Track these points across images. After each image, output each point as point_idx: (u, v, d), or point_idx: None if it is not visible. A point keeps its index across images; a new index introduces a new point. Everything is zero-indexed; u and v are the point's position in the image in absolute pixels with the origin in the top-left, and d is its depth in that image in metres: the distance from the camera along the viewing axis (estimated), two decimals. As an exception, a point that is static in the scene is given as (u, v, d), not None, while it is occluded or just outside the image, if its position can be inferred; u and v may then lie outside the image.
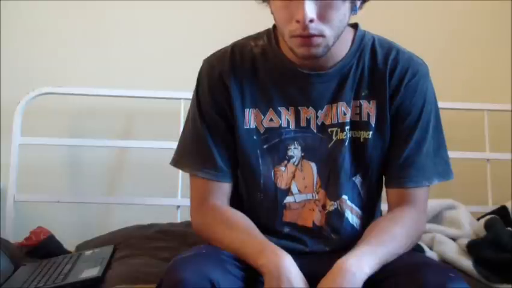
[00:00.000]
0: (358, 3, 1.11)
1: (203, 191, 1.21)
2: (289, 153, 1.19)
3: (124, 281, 1.39)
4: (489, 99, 2.16)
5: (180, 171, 1.93)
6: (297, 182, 1.19)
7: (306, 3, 1.02)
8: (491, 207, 1.96)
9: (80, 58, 2.12)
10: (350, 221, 1.21)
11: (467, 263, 1.56)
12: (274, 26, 1.21)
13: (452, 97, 2.09)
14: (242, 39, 1.25)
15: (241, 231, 1.13)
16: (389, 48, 1.21)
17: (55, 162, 2.12)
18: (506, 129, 2.16)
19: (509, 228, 1.67)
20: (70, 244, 1.81)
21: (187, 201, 1.99)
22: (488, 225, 1.65)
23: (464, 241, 1.63)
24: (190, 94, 2.00)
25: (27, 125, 1.95)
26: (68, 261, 1.55)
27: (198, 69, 1.28)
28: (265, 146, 1.19)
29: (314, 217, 1.20)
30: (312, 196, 1.20)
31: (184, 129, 1.27)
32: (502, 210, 1.81)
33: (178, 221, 1.96)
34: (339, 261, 1.03)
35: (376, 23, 2.26)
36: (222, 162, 1.19)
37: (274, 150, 1.19)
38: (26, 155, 1.95)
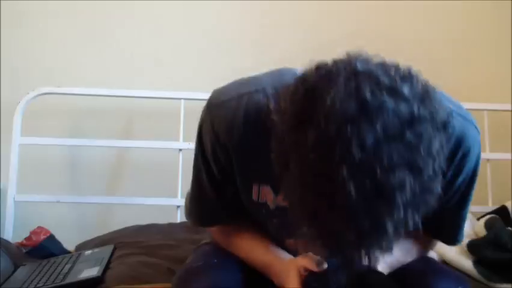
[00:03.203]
0: None
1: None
2: None
3: (123, 281, 1.39)
4: (489, 99, 2.16)
5: (180, 172, 1.93)
6: None
7: None
8: (491, 207, 1.96)
9: (80, 58, 2.12)
10: None
11: (467, 263, 1.56)
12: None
13: (451, 96, 2.08)
14: (257, 92, 0.96)
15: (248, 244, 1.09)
16: None
17: (55, 162, 2.12)
18: (506, 129, 2.16)
19: (509, 228, 1.67)
20: (69, 244, 1.81)
21: (187, 201, 2.00)
22: (488, 225, 1.66)
23: (464, 241, 1.63)
24: (190, 94, 2.03)
25: (27, 125, 1.96)
26: (67, 261, 1.55)
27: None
28: (275, 220, 1.06)
29: None
30: None
31: (192, 178, 1.09)
32: (502, 210, 1.81)
33: (178, 221, 1.96)
34: None
35: (377, 22, 2.28)
36: (228, 213, 1.09)
37: (285, 225, 1.04)
38: (26, 155, 1.95)
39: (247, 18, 2.15)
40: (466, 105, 2.18)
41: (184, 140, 1.97)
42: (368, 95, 0.69)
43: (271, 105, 0.89)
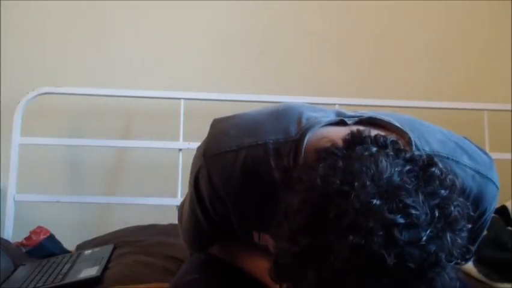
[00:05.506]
0: None
1: None
2: None
3: (122, 281, 1.39)
4: (489, 99, 2.15)
5: (180, 172, 1.93)
6: None
7: None
8: (491, 207, 1.95)
9: (80, 58, 2.12)
10: None
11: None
12: (302, 135, 0.87)
13: (452, 96, 2.09)
14: (258, 146, 0.89)
15: None
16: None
17: (55, 162, 2.12)
18: (506, 129, 2.16)
19: (509, 228, 1.67)
20: (69, 244, 1.82)
21: (186, 201, 2.00)
22: (488, 225, 1.65)
23: (465, 241, 1.63)
24: (190, 94, 2.03)
25: (27, 125, 1.96)
26: (67, 261, 1.55)
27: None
28: None
29: None
30: None
31: (188, 212, 1.05)
32: (502, 210, 1.81)
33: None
34: None
35: (377, 23, 2.28)
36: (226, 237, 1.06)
37: None
38: (26, 155, 1.95)
39: (247, 18, 2.15)
40: (466, 105, 2.20)
41: (184, 140, 1.97)
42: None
43: (273, 163, 0.86)
